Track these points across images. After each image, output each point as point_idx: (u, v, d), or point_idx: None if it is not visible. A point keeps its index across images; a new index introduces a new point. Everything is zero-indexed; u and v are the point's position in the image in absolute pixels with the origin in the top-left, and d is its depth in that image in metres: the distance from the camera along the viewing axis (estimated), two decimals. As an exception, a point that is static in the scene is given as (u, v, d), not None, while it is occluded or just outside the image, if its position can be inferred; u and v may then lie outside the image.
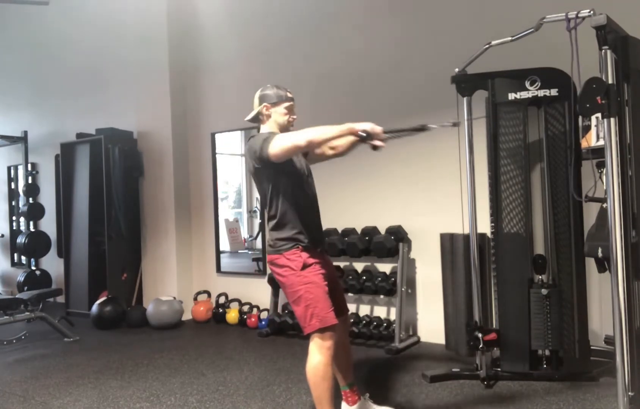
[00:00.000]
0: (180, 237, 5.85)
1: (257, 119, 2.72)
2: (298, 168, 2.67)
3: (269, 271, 5.21)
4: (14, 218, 8.10)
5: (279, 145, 2.46)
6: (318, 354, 2.48)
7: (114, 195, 5.85)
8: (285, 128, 2.68)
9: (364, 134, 2.45)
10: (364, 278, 4.57)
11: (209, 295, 5.75)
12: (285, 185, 2.58)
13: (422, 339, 4.50)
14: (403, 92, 4.54)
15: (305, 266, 2.52)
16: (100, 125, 6.10)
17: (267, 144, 2.47)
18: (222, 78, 5.78)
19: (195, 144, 5.98)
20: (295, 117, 2.72)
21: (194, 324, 5.60)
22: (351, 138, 2.62)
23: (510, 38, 3.16)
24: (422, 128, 2.78)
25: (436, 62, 4.28)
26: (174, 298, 5.57)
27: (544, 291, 3.36)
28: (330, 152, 2.87)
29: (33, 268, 7.38)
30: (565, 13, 2.75)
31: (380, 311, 4.74)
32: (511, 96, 3.40)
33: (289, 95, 2.70)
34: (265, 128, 2.69)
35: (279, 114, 2.66)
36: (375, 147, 2.47)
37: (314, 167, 2.85)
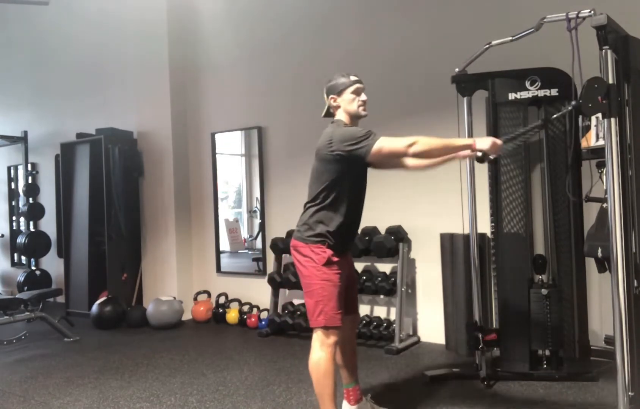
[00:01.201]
0: (180, 237, 5.85)
1: (330, 113, 2.67)
2: (363, 176, 2.63)
3: (269, 271, 5.22)
4: (14, 218, 8.09)
5: (388, 146, 2.40)
6: (319, 350, 2.50)
7: (114, 195, 5.85)
8: (356, 114, 2.62)
9: (481, 154, 2.32)
10: (364, 278, 4.56)
11: (209, 295, 5.75)
12: (344, 188, 2.53)
13: (422, 339, 4.49)
14: (403, 92, 4.54)
15: (327, 262, 2.51)
16: (100, 125, 6.10)
17: (371, 141, 2.40)
18: (222, 78, 5.78)
19: (195, 144, 5.98)
20: (365, 98, 2.64)
21: (194, 324, 5.60)
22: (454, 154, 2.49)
23: (510, 38, 3.16)
24: (543, 124, 2.64)
25: (436, 62, 4.28)
26: (174, 298, 5.57)
27: (544, 291, 3.37)
28: (420, 164, 2.70)
29: (33, 268, 7.37)
30: (566, 13, 2.75)
31: (380, 311, 4.73)
32: (511, 96, 3.40)
33: (353, 78, 2.62)
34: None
35: (346, 102, 2.60)
36: (485, 161, 2.37)
37: None
